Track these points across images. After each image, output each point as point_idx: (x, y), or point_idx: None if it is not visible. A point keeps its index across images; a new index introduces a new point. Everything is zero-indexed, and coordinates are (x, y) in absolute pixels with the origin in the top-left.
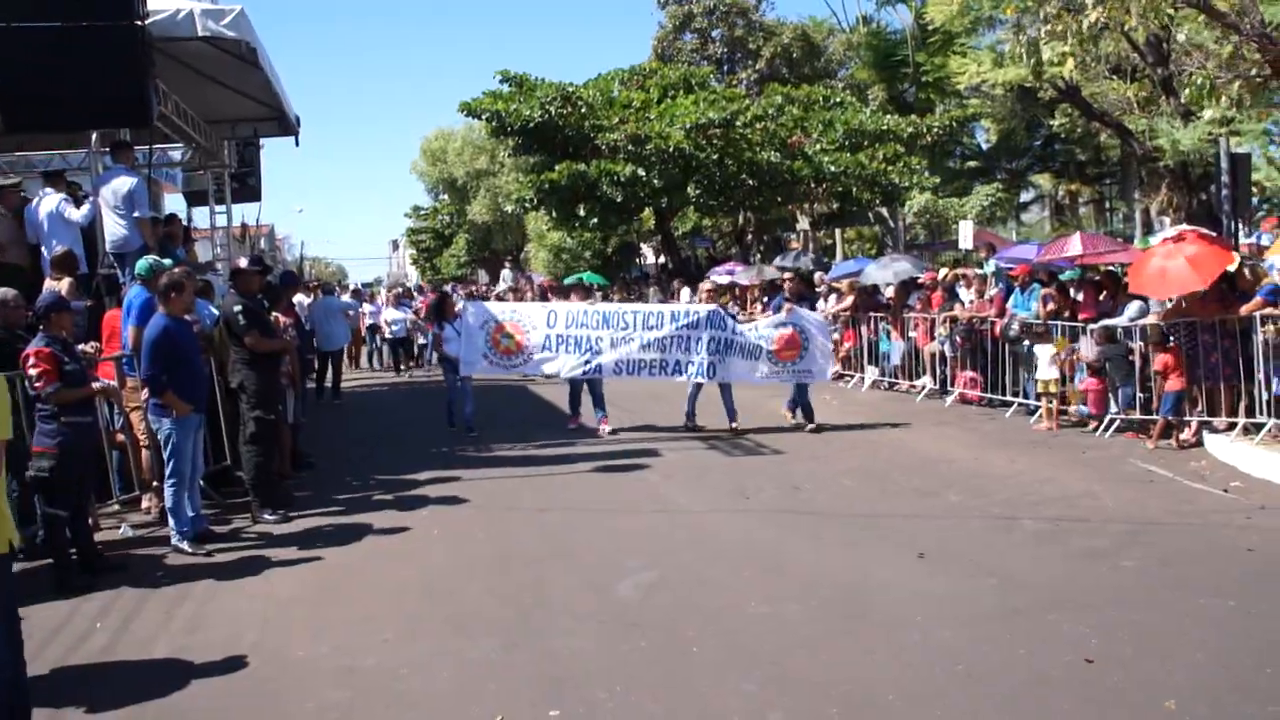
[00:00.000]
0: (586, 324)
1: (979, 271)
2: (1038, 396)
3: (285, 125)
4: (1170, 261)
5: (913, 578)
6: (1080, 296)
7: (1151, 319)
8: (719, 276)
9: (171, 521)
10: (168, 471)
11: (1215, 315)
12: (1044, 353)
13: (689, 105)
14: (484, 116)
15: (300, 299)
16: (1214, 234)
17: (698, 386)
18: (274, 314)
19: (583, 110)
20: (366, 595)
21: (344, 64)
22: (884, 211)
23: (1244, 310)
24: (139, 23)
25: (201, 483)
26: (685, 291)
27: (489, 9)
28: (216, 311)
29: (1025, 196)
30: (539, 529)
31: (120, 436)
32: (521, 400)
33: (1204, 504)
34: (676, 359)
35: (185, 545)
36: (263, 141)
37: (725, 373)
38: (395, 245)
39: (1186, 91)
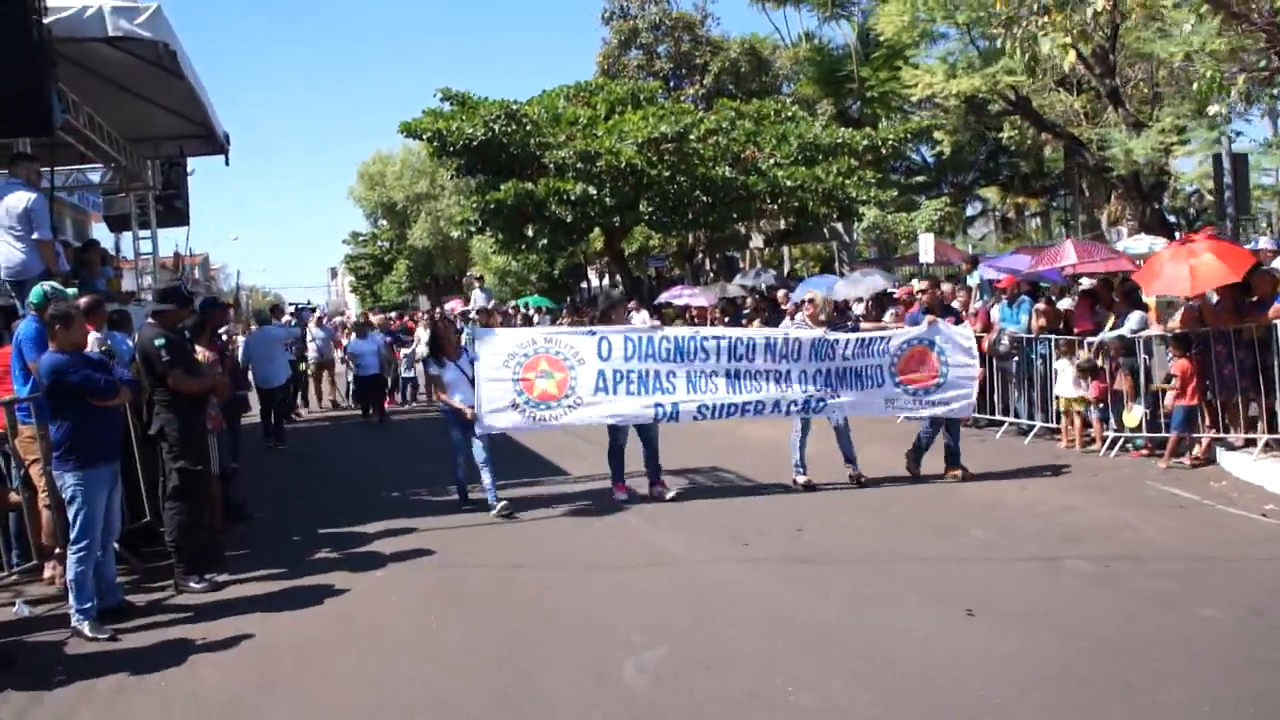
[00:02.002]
0: (654, 355)
1: (940, 286)
2: (1060, 415)
3: (214, 143)
4: (1195, 259)
5: (969, 639)
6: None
7: (1154, 330)
8: (673, 299)
9: (72, 597)
10: (73, 535)
11: (1232, 324)
12: (1067, 369)
13: (638, 120)
14: (425, 136)
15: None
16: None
17: (805, 424)
18: (198, 347)
19: (528, 127)
20: (312, 687)
21: (278, 87)
22: (839, 226)
23: (1271, 314)
24: (35, 16)
25: (117, 545)
26: (641, 314)
27: (426, 28)
28: (133, 345)
29: (971, 210)
30: (515, 590)
31: (15, 496)
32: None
33: (1252, 533)
34: (776, 398)
35: (86, 628)
36: (190, 163)
37: (839, 408)
38: (334, 273)
39: (1195, 86)
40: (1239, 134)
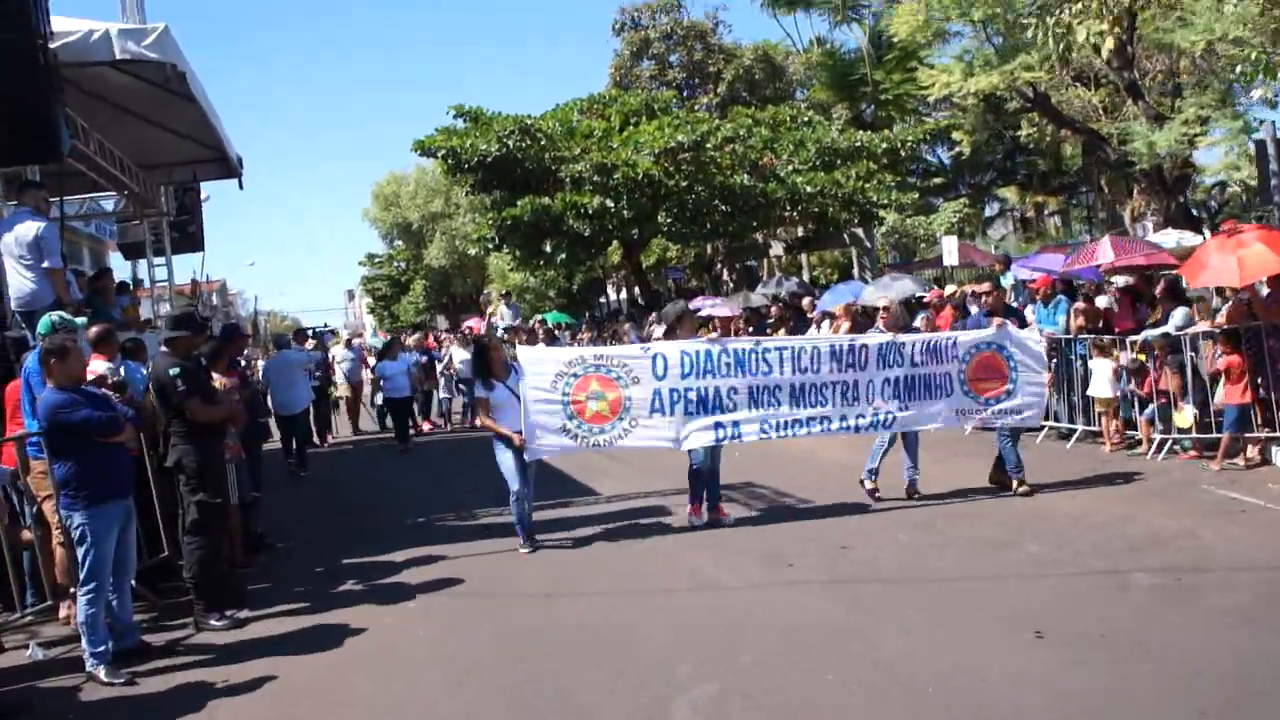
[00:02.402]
0: (713, 370)
1: (974, 289)
2: (1098, 416)
3: (227, 167)
4: (1244, 249)
5: (1044, 669)
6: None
7: (1201, 326)
8: (696, 310)
9: (85, 641)
10: (81, 575)
11: None
12: (1103, 368)
13: (653, 130)
14: (439, 154)
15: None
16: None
17: (890, 435)
18: (215, 375)
19: (543, 142)
20: None
21: (290, 111)
22: (859, 232)
23: None
24: (41, 40)
25: (134, 582)
26: (662, 327)
27: (437, 47)
28: (147, 374)
29: (989, 211)
30: (552, 622)
31: (27, 534)
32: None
33: None
34: (843, 413)
35: (102, 672)
36: (205, 189)
37: (909, 421)
38: (351, 295)
39: (1238, 69)
40: (1262, 121)
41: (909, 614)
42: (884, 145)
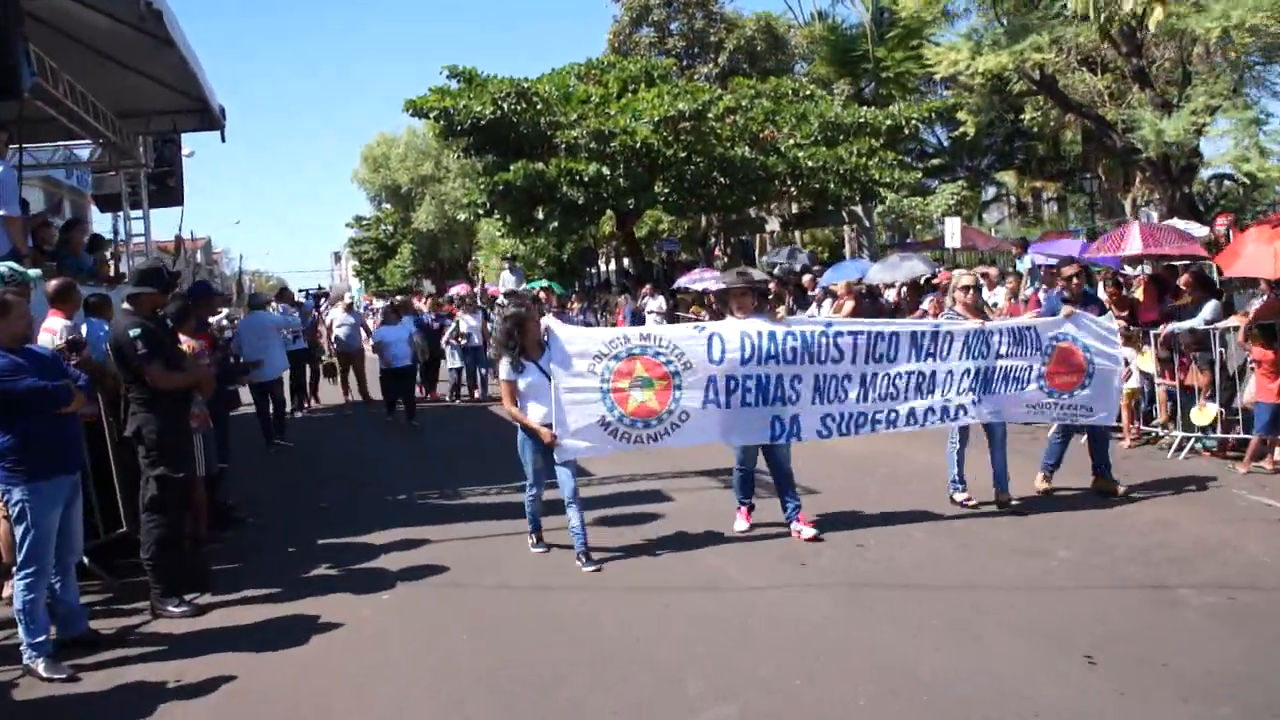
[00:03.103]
0: (777, 355)
1: (983, 271)
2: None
3: (209, 118)
4: None
5: (1105, 704)
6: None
7: (1232, 320)
8: (691, 283)
9: (22, 630)
10: (19, 558)
11: None
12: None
13: (653, 99)
14: (431, 115)
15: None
16: None
17: (965, 431)
18: (182, 337)
19: (539, 106)
20: None
21: (279, 66)
22: (858, 210)
23: None
24: None
25: (85, 560)
26: (658, 300)
27: (431, 6)
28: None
29: (985, 195)
30: (545, 620)
31: None
32: (496, 424)
33: None
34: (912, 406)
35: (41, 666)
36: (189, 145)
37: (987, 413)
38: (337, 257)
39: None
40: (1269, 115)
41: (935, 624)
42: (888, 122)
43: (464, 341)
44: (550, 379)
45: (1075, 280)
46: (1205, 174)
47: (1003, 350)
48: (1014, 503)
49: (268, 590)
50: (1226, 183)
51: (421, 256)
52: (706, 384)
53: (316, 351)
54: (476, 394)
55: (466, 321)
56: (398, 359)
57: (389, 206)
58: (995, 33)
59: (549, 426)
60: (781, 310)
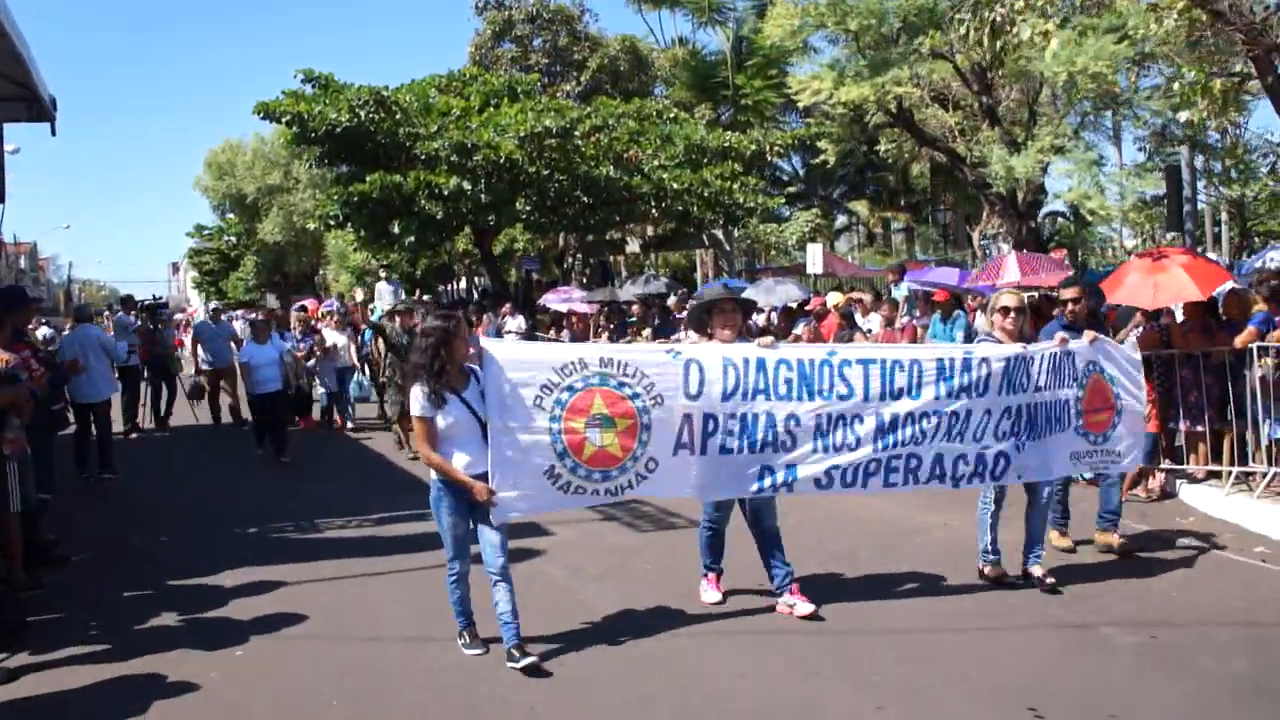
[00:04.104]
0: (767, 388)
1: (857, 297)
2: None
3: (38, 108)
4: (1161, 274)
5: None
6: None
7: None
8: (557, 302)
9: None
10: None
11: (1199, 347)
12: None
13: (516, 114)
14: (283, 120)
15: (46, 331)
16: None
17: (1001, 492)
18: None
19: (397, 116)
20: None
21: (118, 63)
22: (719, 234)
23: (1239, 342)
24: None
25: None
26: (517, 319)
27: (286, 9)
28: None
29: (837, 223)
30: (421, 681)
31: None
32: (360, 453)
33: (1273, 586)
34: (939, 452)
35: None
36: (14, 139)
37: (1025, 469)
38: (175, 268)
39: (1176, 86)
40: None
41: (871, 679)
42: (752, 147)
43: (329, 360)
44: (478, 415)
45: (1078, 305)
46: (1040, 212)
47: (1042, 382)
48: (1049, 580)
49: (96, 647)
50: (1060, 220)
51: (266, 269)
52: (680, 424)
53: (173, 367)
54: (348, 424)
55: (334, 338)
56: (265, 383)
57: (233, 216)
58: (858, 64)
59: (484, 481)
60: (768, 339)
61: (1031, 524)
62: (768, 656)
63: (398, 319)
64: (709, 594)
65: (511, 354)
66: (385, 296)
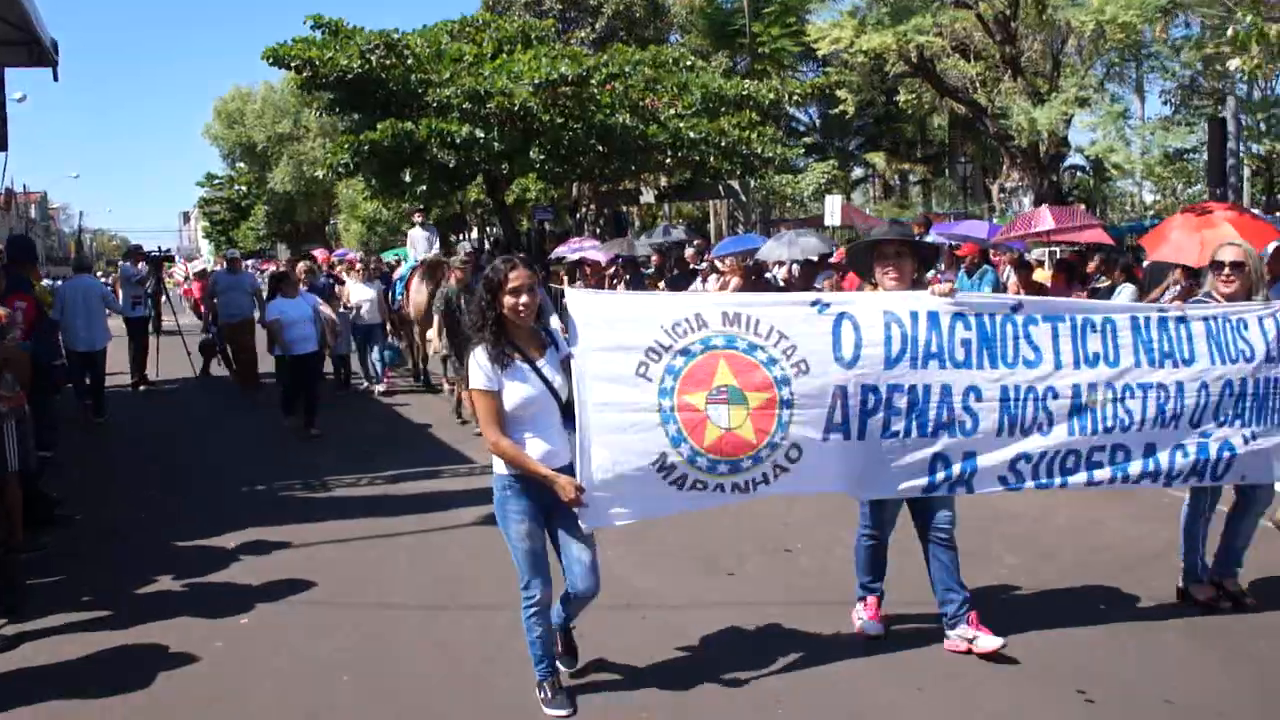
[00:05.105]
0: (941, 352)
1: None
2: None
3: (38, 52)
4: (1211, 229)
5: None
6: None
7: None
8: (570, 253)
9: None
10: None
11: None
12: None
13: (530, 60)
14: (293, 66)
15: (46, 283)
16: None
17: (1213, 498)
18: None
19: (409, 62)
20: None
21: (126, 9)
22: (735, 185)
23: None
24: None
25: None
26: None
27: None
28: None
29: (853, 175)
30: (435, 655)
31: None
32: (378, 411)
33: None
34: (1150, 441)
35: None
36: (21, 87)
37: (1256, 465)
38: (186, 217)
39: (1230, 31)
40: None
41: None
42: (771, 96)
43: (354, 317)
44: (557, 392)
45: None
46: (1061, 165)
47: (1274, 351)
48: (1249, 600)
49: (95, 614)
50: (1079, 174)
51: (277, 219)
52: (832, 400)
53: (158, 318)
54: (378, 387)
55: (360, 291)
56: (298, 343)
57: (243, 165)
58: (879, 11)
59: (571, 477)
60: (947, 284)
61: (1238, 533)
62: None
63: (453, 276)
64: (867, 623)
65: (605, 308)
66: (419, 244)
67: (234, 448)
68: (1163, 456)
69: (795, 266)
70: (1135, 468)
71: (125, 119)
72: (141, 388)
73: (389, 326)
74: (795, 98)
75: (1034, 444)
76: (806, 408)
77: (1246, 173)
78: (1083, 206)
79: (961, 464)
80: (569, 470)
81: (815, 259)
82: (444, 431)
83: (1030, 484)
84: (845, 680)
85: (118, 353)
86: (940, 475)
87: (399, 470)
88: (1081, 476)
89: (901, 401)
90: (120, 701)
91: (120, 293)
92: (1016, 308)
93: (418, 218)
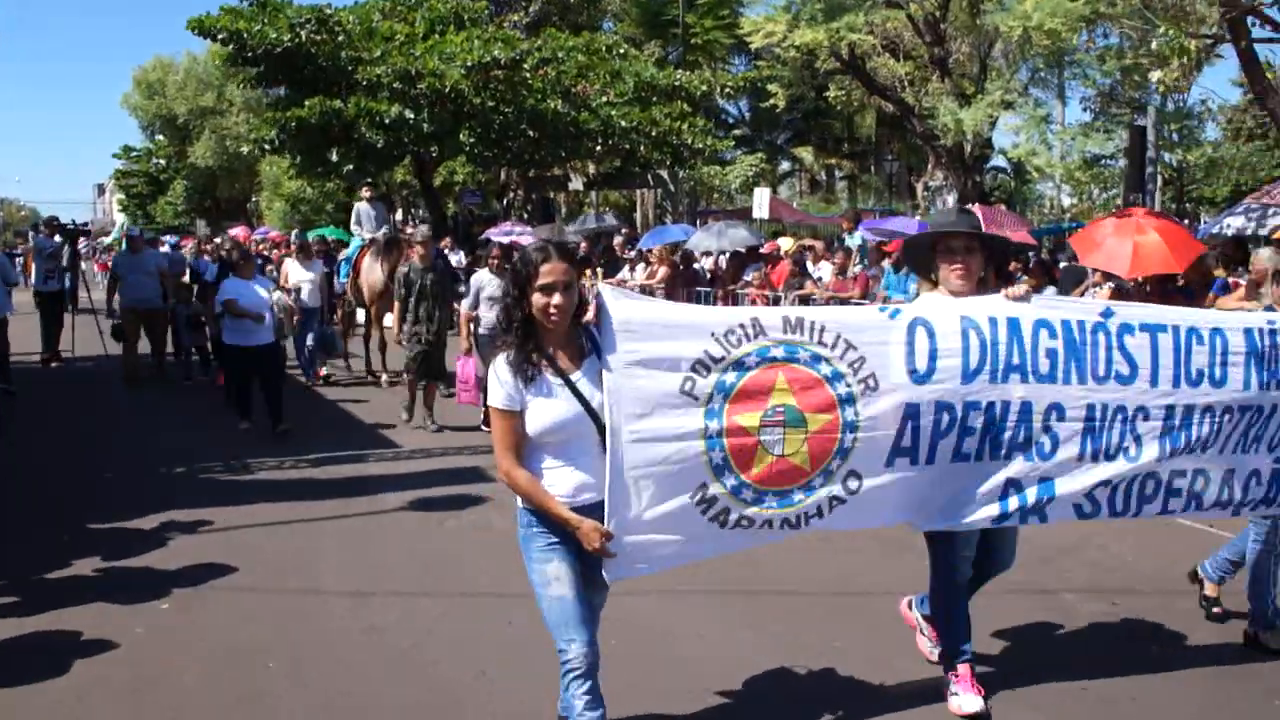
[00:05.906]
0: (1024, 365)
1: (809, 243)
2: None
3: None
4: (1141, 237)
5: None
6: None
7: None
8: (499, 236)
9: None
10: None
11: None
12: None
13: (462, 42)
14: (219, 38)
15: None
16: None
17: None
18: None
19: (340, 39)
20: None
21: None
22: (664, 175)
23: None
24: None
25: None
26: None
27: None
28: None
29: (781, 169)
30: (366, 641)
31: None
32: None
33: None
34: (1229, 467)
35: None
36: None
37: None
38: (101, 190)
39: (1154, 44)
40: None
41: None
42: (703, 88)
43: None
44: (596, 412)
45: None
46: (985, 165)
47: None
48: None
49: (4, 599)
50: (1000, 175)
51: (196, 195)
52: (903, 419)
53: (74, 291)
54: (322, 371)
55: (298, 272)
56: (253, 333)
57: (163, 138)
58: (813, 8)
59: (598, 523)
60: (1022, 286)
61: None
62: None
63: (415, 254)
64: (966, 698)
65: (647, 313)
66: (366, 222)
67: (153, 428)
68: (1239, 484)
69: (723, 258)
70: (1210, 496)
71: (37, 84)
72: (54, 364)
73: (334, 312)
74: (727, 90)
75: (1117, 469)
76: (871, 430)
77: (1160, 181)
78: (1003, 207)
79: (1036, 490)
80: (602, 506)
81: (744, 250)
82: (370, 415)
83: (1105, 514)
84: None
85: (23, 327)
86: (1013, 503)
87: (323, 454)
88: (1155, 505)
89: (978, 421)
90: (35, 692)
91: (33, 266)
92: (1107, 314)
93: (365, 193)
